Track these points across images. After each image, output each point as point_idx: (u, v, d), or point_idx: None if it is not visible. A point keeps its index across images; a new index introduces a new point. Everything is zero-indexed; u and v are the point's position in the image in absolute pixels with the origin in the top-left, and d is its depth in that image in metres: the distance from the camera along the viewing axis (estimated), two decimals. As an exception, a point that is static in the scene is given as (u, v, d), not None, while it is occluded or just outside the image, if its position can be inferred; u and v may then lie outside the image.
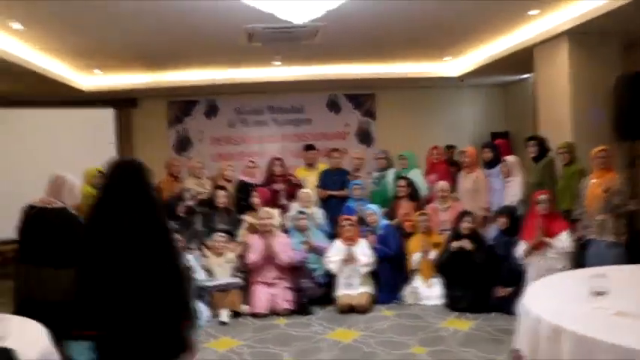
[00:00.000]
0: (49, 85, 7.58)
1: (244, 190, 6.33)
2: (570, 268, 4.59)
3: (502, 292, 5.06)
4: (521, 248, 5.04)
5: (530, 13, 5.92)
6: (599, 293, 2.33)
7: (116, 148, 7.30)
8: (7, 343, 2.20)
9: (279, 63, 8.12)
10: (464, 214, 5.52)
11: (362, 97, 10.25)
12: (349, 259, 5.58)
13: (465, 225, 5.41)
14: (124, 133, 8.98)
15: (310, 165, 6.91)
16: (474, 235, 5.43)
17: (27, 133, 6.84)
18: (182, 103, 10.03)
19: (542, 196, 4.97)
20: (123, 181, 2.43)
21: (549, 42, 6.37)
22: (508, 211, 5.42)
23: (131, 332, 2.29)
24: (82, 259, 2.42)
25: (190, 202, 6.08)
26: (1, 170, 6.71)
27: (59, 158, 6.74)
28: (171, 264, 2.41)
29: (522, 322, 2.60)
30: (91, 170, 5.86)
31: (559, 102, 6.33)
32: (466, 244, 5.33)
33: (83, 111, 7.49)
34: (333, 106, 10.25)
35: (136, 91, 9.13)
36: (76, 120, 7.21)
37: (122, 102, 8.88)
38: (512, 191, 5.84)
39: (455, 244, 5.38)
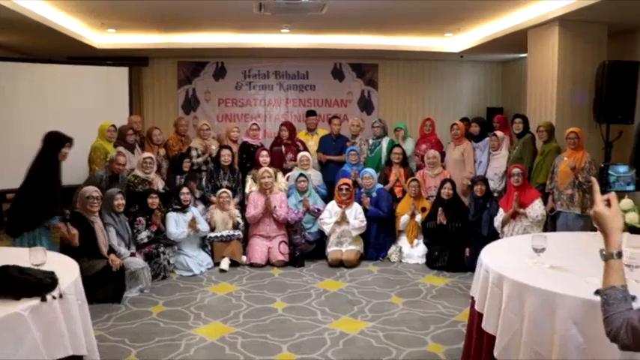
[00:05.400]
0: (65, 42, 7.90)
1: (247, 150, 6.76)
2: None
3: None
4: (498, 217, 5.49)
5: (526, -2, 6.25)
6: (538, 250, 2.81)
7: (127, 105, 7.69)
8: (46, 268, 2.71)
9: (288, 31, 8.43)
10: (445, 181, 5.98)
11: (365, 66, 10.60)
12: (342, 221, 6.01)
13: (446, 192, 5.88)
14: (135, 90, 9.31)
15: (311, 130, 7.33)
16: (454, 201, 5.90)
17: (45, 87, 7.17)
18: (191, 64, 10.39)
19: (516, 170, 5.39)
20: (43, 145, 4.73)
21: (542, 26, 6.72)
22: (484, 179, 5.87)
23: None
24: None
25: (199, 160, 6.51)
26: (16, 123, 7.00)
27: (75, 113, 7.08)
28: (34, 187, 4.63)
29: (477, 274, 3.09)
30: (105, 125, 6.28)
31: (546, 83, 6.71)
32: (442, 219, 5.79)
33: (99, 68, 7.85)
34: (337, 74, 10.60)
35: (147, 51, 9.46)
36: (92, 77, 7.55)
37: (133, 60, 9.21)
38: (497, 164, 6.30)
39: (431, 224, 5.90)
